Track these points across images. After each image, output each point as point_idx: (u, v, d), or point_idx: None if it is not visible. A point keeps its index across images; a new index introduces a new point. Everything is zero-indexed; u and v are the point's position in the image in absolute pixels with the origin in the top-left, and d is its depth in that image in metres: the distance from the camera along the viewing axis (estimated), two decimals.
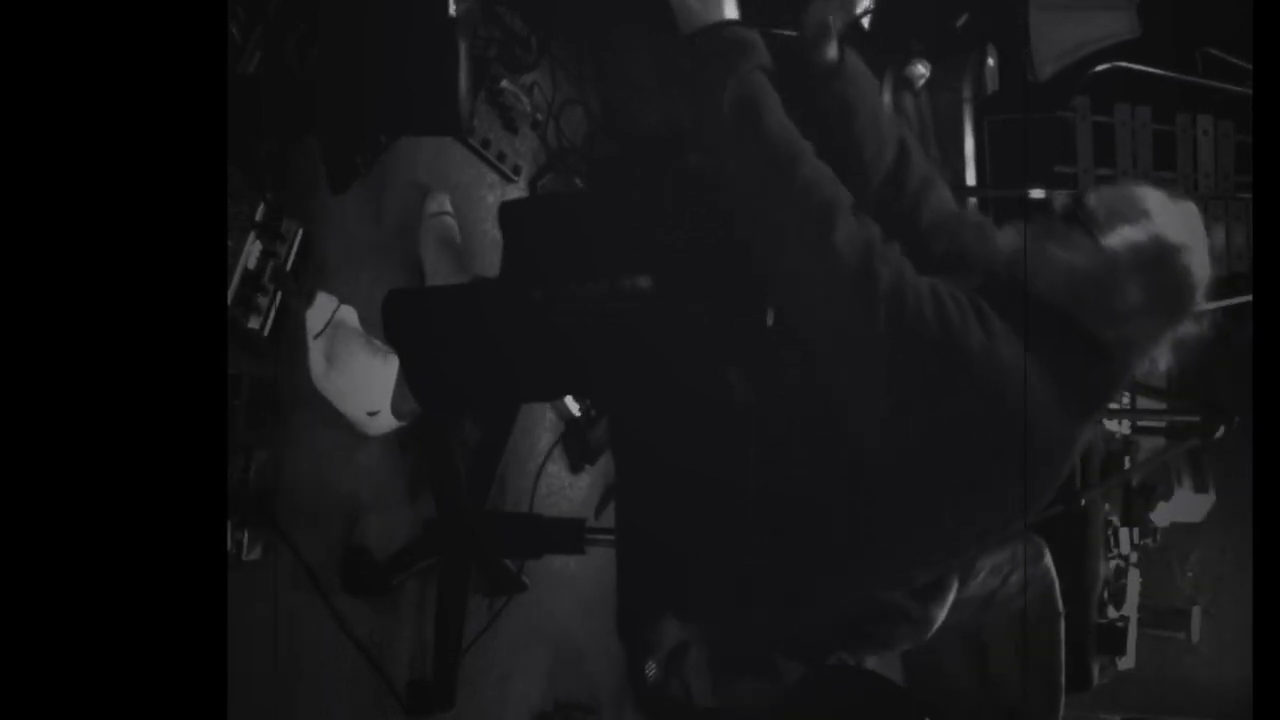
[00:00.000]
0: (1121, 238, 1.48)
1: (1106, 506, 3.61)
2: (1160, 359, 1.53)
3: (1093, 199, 1.52)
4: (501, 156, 2.39)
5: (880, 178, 1.68)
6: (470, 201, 2.32)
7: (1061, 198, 1.57)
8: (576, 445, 2.63)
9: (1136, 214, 1.49)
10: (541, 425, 2.49)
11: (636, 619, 1.94)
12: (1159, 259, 1.47)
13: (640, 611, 1.94)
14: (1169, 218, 1.49)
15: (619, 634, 1.97)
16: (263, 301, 1.71)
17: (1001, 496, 1.53)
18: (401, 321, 1.80)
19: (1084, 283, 1.48)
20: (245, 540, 1.73)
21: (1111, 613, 3.63)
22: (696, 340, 1.60)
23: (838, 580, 1.63)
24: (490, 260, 2.28)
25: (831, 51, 1.64)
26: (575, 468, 2.68)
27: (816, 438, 1.52)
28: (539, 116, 2.46)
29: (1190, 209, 1.52)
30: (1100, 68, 2.90)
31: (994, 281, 1.53)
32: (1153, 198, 1.51)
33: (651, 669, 1.93)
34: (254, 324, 1.70)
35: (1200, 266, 1.49)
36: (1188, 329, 1.51)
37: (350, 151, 1.94)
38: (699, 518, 1.61)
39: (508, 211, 2.06)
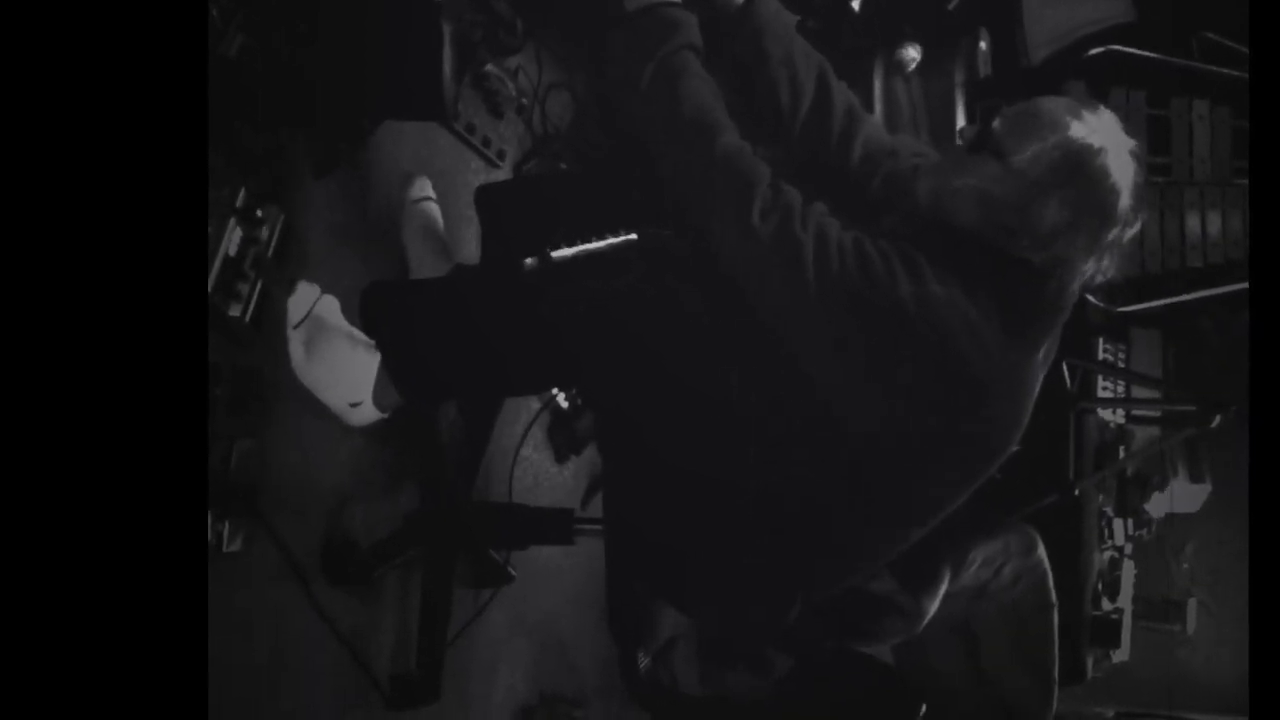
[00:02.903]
0: (1031, 155, 1.44)
1: (1101, 497, 3.58)
2: (1101, 267, 1.49)
3: (998, 122, 1.49)
4: (486, 142, 2.38)
5: (802, 120, 1.67)
6: (455, 187, 2.30)
7: (969, 130, 1.55)
8: (562, 435, 2.61)
9: (1044, 128, 1.45)
10: (525, 415, 2.47)
11: (628, 612, 1.92)
12: (1073, 169, 1.43)
13: (632, 605, 1.92)
14: (1081, 125, 1.45)
15: (610, 627, 1.95)
16: (244, 289, 1.68)
17: (971, 440, 1.53)
18: (381, 314, 1.78)
19: (1001, 209, 1.46)
20: (226, 531, 1.71)
21: (1106, 605, 3.62)
22: (695, 339, 1.57)
23: (835, 563, 1.62)
24: (475, 246, 2.26)
25: None
26: (561, 458, 2.66)
27: (816, 438, 1.51)
28: (524, 101, 2.44)
29: (1106, 114, 1.48)
30: (1095, 51, 2.88)
31: (922, 227, 1.52)
32: (1061, 108, 1.47)
33: (644, 661, 1.91)
34: (235, 311, 1.68)
35: (1120, 167, 1.44)
36: (1121, 233, 1.47)
37: (335, 137, 1.91)
38: (695, 515, 1.59)
39: (485, 195, 2.03)
